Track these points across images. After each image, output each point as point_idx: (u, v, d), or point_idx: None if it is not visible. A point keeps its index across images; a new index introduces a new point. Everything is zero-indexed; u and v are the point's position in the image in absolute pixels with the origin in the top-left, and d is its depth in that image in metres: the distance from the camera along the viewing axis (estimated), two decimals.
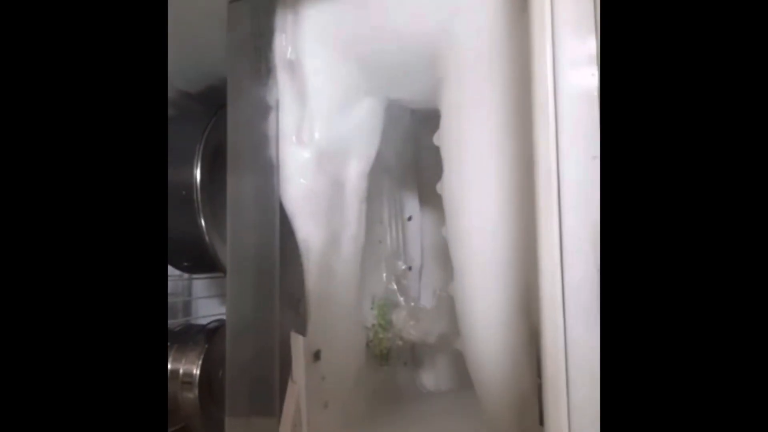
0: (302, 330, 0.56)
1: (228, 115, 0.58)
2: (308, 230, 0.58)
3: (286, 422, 0.55)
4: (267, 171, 0.57)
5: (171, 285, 0.85)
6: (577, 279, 0.35)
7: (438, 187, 0.54)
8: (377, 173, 0.70)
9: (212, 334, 0.78)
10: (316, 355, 0.59)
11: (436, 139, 0.54)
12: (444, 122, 0.52)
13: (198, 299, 0.91)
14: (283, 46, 0.56)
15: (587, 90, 0.37)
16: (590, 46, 0.37)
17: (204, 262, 0.71)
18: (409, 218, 0.79)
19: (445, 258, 0.55)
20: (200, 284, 0.90)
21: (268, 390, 0.57)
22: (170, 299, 0.85)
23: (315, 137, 0.57)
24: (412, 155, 0.78)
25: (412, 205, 0.80)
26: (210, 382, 0.76)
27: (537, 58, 0.37)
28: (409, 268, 0.78)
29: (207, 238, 0.69)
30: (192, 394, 0.74)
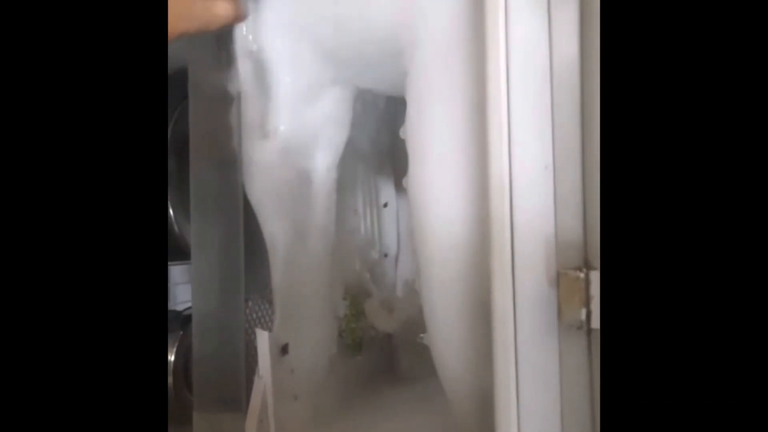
0: (269, 324, 0.56)
1: (189, 106, 0.56)
2: (274, 224, 0.57)
3: (252, 418, 0.55)
4: (230, 164, 0.55)
5: None
6: (529, 295, 0.34)
7: (404, 181, 0.53)
8: (350, 162, 0.69)
9: (188, 321, 0.78)
10: (284, 349, 0.59)
11: (402, 133, 0.52)
12: (409, 116, 0.51)
13: (176, 285, 0.90)
14: (244, 35, 0.54)
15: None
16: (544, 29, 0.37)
17: (174, 250, 0.71)
18: (385, 205, 0.78)
19: None
20: (177, 270, 0.89)
21: (235, 385, 0.56)
22: None
23: (279, 129, 0.55)
24: (387, 141, 0.76)
25: (388, 191, 0.78)
26: (186, 369, 0.75)
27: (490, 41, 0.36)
28: (385, 256, 0.77)
29: (176, 227, 0.68)
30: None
